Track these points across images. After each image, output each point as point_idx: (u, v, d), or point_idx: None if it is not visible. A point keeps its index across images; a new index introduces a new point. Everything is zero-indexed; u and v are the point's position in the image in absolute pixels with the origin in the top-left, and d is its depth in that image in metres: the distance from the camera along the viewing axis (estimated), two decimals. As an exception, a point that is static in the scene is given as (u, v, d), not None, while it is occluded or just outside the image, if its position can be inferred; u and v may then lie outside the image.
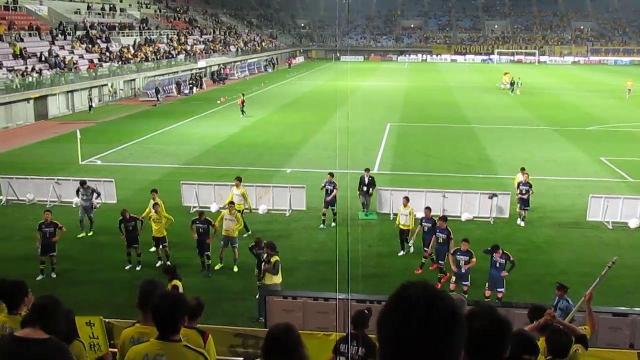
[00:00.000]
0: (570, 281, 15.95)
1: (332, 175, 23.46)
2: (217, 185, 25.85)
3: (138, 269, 19.27)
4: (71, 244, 20.94)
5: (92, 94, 54.26)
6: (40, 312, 5.12)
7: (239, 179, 22.79)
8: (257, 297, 16.21)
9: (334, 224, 23.23)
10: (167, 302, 4.72)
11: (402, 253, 20.59)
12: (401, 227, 20.54)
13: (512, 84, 67.21)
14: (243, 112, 49.26)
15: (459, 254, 17.09)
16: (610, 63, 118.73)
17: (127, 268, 19.38)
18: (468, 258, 16.92)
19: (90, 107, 52.79)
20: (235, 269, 19.21)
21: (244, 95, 52.49)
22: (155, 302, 4.87)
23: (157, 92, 59.85)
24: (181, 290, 12.99)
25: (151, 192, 21.35)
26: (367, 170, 24.68)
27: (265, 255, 15.88)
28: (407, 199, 20.84)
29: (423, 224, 19.33)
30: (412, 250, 20.76)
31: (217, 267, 19.37)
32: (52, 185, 25.97)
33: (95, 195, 22.71)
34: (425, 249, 19.06)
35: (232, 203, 20.22)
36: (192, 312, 7.48)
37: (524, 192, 23.45)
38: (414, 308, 2.19)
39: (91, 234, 22.26)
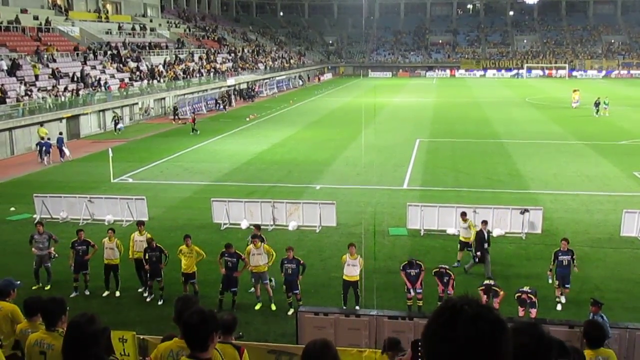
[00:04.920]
0: (604, 297, 15.81)
1: (291, 249, 17.60)
2: (247, 202, 25.98)
3: (160, 303, 17.99)
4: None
5: (122, 113, 54.87)
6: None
7: (142, 223, 19.78)
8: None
9: (292, 311, 16.97)
10: (196, 319, 4.73)
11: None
12: (345, 278, 17.24)
13: (597, 104, 59.17)
14: (194, 129, 50.85)
15: None
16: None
17: (148, 300, 18.31)
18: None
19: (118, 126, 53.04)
20: (273, 307, 17.60)
21: (194, 113, 57.88)
22: (184, 319, 4.88)
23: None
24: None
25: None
26: (485, 222, 20.13)
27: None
28: (353, 246, 17.27)
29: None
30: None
31: (257, 307, 17.63)
32: (84, 203, 26.26)
33: (52, 241, 19.51)
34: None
35: (255, 236, 18.34)
36: (227, 326, 7.53)
37: (564, 263, 17.50)
38: (459, 314, 2.17)
39: (48, 287, 18.96)
